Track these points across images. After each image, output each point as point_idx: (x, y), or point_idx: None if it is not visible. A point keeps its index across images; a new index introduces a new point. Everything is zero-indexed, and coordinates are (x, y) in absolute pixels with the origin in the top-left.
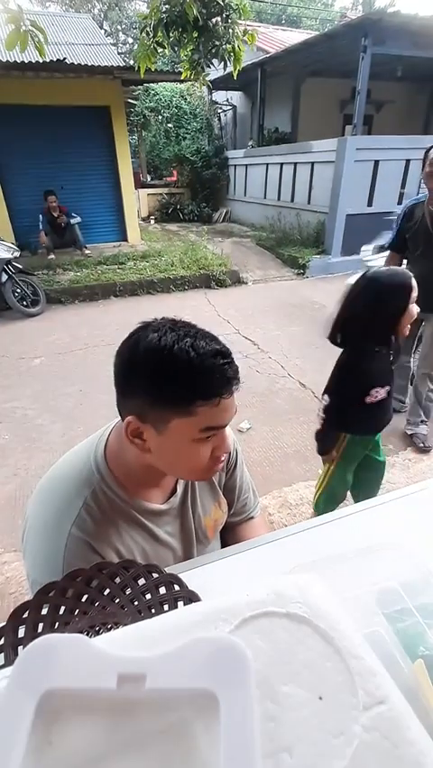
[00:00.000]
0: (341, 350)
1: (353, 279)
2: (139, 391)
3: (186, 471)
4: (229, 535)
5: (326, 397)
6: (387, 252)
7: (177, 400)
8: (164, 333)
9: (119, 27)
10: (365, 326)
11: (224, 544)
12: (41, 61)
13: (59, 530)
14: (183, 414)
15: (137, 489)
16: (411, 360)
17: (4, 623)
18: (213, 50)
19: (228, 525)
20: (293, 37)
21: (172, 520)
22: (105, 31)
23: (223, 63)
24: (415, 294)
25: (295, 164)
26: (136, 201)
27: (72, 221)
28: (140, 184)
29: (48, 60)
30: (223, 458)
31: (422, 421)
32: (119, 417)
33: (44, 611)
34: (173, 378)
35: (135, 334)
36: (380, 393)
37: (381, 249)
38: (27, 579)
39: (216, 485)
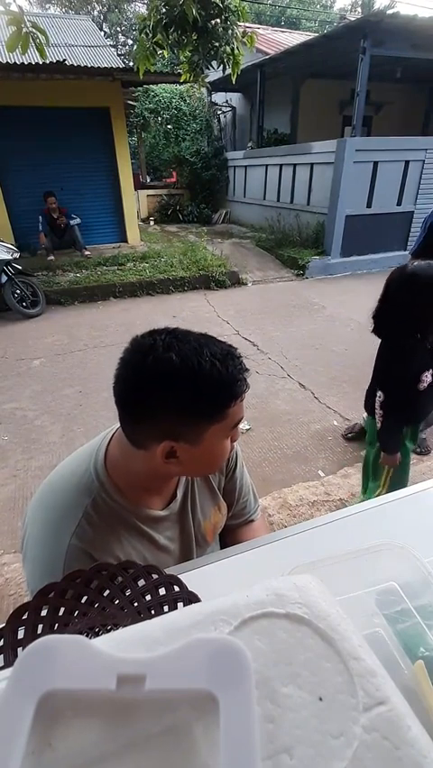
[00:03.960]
0: (377, 344)
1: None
2: (169, 415)
3: (213, 468)
4: (229, 538)
5: (380, 393)
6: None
7: (214, 412)
8: (179, 351)
9: (119, 29)
10: (407, 319)
11: (223, 546)
12: (41, 63)
13: (58, 540)
14: (218, 420)
15: (138, 497)
16: None
17: (4, 624)
18: (212, 52)
19: (228, 527)
20: (292, 39)
21: (172, 525)
22: (105, 32)
23: (222, 66)
24: None
25: (294, 165)
26: (136, 202)
27: (72, 222)
28: (139, 185)
29: (48, 62)
30: (235, 442)
31: (421, 429)
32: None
33: (44, 612)
34: (211, 393)
35: (145, 358)
36: (428, 377)
37: None
38: (27, 587)
39: (216, 488)
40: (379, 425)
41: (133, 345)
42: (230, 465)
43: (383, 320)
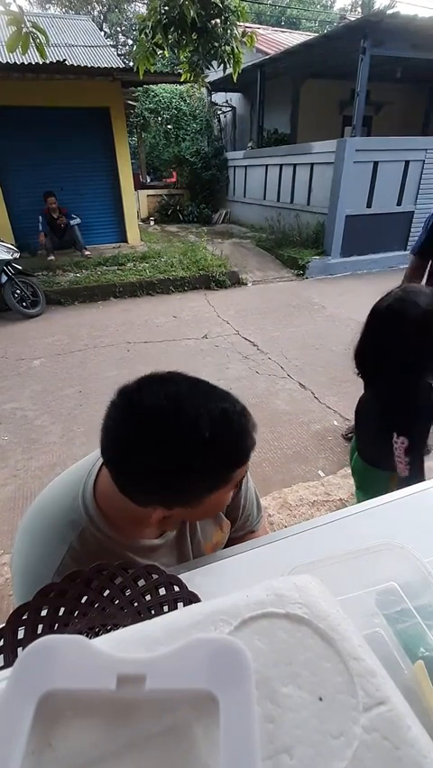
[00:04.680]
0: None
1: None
2: (166, 492)
3: (209, 517)
4: (228, 545)
5: (403, 439)
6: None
7: (219, 481)
8: (177, 421)
9: (119, 29)
10: (411, 357)
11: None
12: (41, 63)
13: (41, 577)
14: (221, 486)
15: (130, 529)
16: None
17: (4, 624)
18: (212, 52)
19: (229, 538)
20: (292, 39)
21: (168, 552)
22: (105, 32)
23: (222, 66)
24: None
25: (294, 165)
26: (136, 202)
27: (72, 222)
28: (139, 185)
29: (48, 62)
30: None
31: None
32: None
33: (44, 613)
34: (213, 470)
35: (138, 427)
36: None
37: None
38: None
39: None
40: (407, 472)
41: (123, 401)
42: None
43: (375, 360)
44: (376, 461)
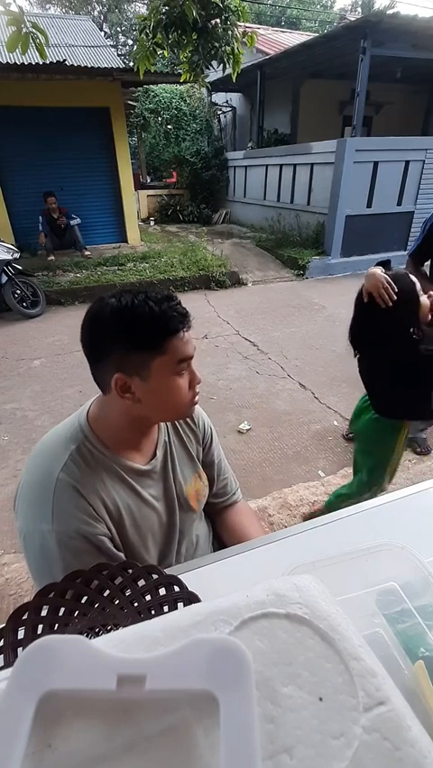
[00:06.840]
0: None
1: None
2: (115, 349)
3: (174, 408)
4: (218, 521)
5: None
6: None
7: (150, 342)
8: (121, 296)
9: (119, 29)
10: (394, 334)
11: (215, 533)
12: (41, 63)
13: (48, 477)
14: (159, 353)
15: (119, 449)
16: None
17: (4, 624)
18: (212, 52)
19: (214, 508)
20: (293, 39)
21: (155, 483)
22: (105, 33)
23: (222, 66)
24: (419, 286)
25: (294, 165)
26: (136, 202)
27: (72, 222)
28: (139, 185)
29: (48, 62)
30: (198, 389)
31: (422, 429)
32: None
33: (44, 612)
34: (143, 324)
35: (95, 306)
36: None
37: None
38: (19, 535)
39: (195, 457)
40: None
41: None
42: (206, 438)
43: (366, 333)
44: (393, 411)
